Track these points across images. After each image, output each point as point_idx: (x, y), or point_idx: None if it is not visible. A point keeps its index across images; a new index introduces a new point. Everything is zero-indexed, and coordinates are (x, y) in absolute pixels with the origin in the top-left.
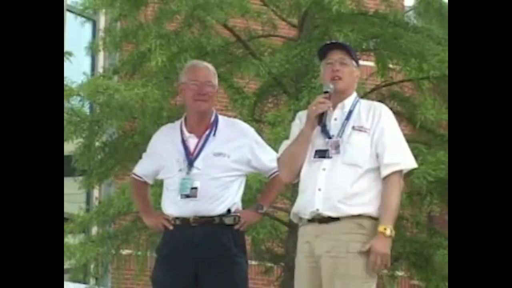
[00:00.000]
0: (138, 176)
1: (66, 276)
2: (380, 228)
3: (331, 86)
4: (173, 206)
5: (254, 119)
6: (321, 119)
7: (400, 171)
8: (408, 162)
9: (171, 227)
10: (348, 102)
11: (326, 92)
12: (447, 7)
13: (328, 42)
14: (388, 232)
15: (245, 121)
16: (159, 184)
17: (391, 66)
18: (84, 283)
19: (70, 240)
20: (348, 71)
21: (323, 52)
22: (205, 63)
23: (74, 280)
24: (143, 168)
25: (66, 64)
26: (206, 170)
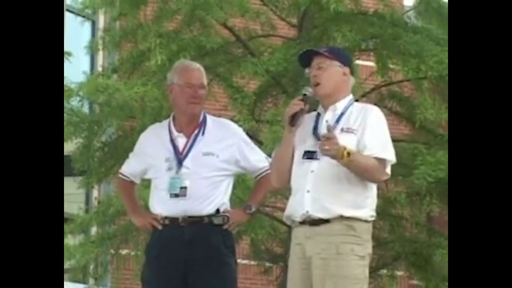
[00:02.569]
0: (125, 176)
1: (65, 276)
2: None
3: (310, 89)
4: (162, 205)
5: (254, 119)
6: (292, 120)
7: (380, 160)
8: (388, 154)
9: (159, 227)
10: (340, 105)
11: (304, 95)
12: (447, 7)
13: (302, 50)
14: (346, 156)
15: (244, 120)
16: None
17: (390, 66)
18: (83, 283)
19: (69, 240)
20: (327, 74)
21: (307, 60)
22: (197, 64)
23: (74, 280)
24: (130, 168)
25: (65, 64)
26: (196, 169)
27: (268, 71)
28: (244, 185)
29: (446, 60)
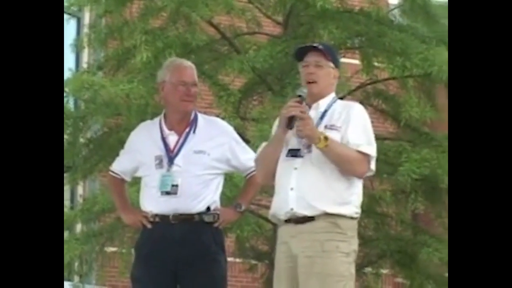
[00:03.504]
0: (115, 173)
1: None
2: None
3: (305, 90)
4: (153, 203)
5: (239, 116)
6: (290, 122)
7: (363, 154)
8: (370, 149)
9: (149, 226)
10: (323, 103)
11: (299, 96)
12: (432, 5)
13: (302, 45)
14: (322, 140)
15: (230, 118)
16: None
17: (376, 64)
18: (68, 280)
19: None
20: (324, 74)
21: (300, 54)
22: (188, 62)
23: None
24: (121, 165)
25: None
26: (187, 167)
27: (254, 68)
28: (231, 183)
29: (432, 58)
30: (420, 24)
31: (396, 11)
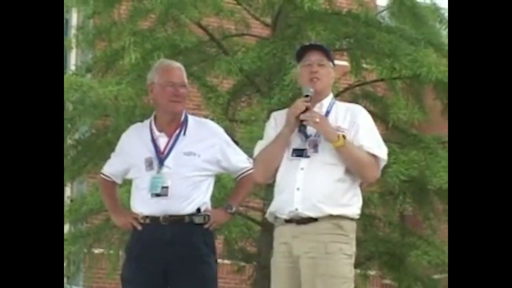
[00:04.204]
0: (106, 176)
1: None
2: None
3: (311, 89)
4: (143, 204)
5: (228, 118)
6: (302, 122)
7: (374, 157)
8: (382, 152)
9: (139, 227)
10: (325, 103)
11: (306, 95)
12: (420, 6)
13: (307, 44)
14: (341, 138)
15: (218, 119)
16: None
17: (364, 65)
18: None
19: None
20: (326, 72)
21: (300, 53)
22: (177, 63)
23: None
24: (112, 168)
25: None
26: (177, 169)
27: (241, 69)
28: (220, 184)
29: (420, 59)
30: (408, 26)
31: (384, 13)
